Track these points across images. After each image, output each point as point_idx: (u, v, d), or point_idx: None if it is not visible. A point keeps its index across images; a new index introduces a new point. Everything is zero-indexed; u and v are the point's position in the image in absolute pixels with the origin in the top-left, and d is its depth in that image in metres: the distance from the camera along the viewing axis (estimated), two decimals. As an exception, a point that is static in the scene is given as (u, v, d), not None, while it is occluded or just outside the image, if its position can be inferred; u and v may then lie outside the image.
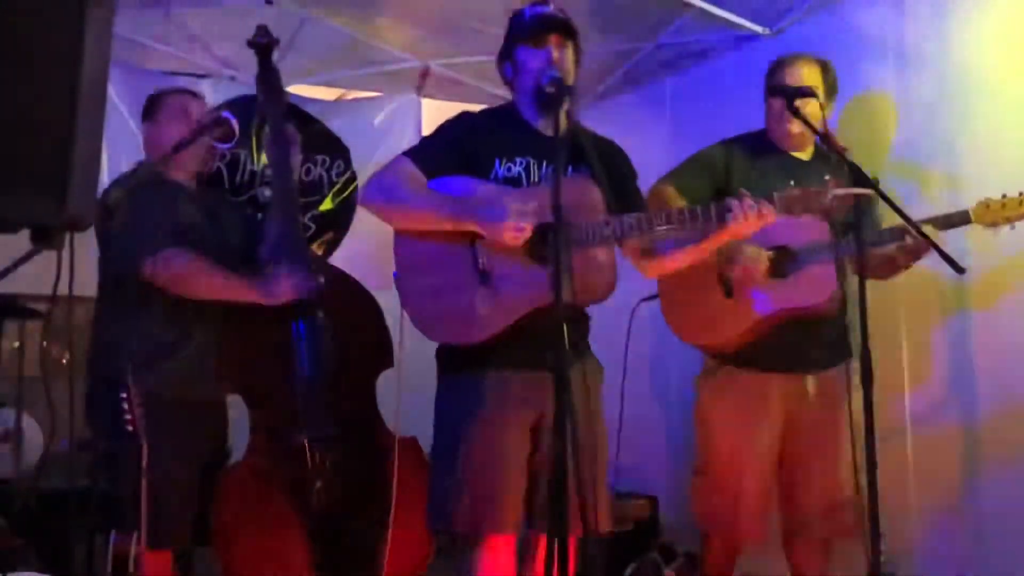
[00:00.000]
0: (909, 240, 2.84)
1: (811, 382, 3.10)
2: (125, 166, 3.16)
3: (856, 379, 3.07)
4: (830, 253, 2.96)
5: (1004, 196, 2.82)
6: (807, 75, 3.08)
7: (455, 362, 2.63)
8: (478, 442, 2.53)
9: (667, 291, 3.22)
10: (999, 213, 2.82)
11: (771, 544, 3.28)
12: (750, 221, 2.45)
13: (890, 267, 3.00)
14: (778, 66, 3.15)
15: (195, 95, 3.29)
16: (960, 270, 2.72)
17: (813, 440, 3.11)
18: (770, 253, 3.01)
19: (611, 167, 2.64)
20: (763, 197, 2.46)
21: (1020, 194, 2.83)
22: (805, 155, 3.16)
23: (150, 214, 2.94)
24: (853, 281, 3.17)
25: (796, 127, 3.06)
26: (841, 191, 2.42)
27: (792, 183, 2.78)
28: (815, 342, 3.07)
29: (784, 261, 3.02)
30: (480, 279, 2.53)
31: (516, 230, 2.43)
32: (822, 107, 3.00)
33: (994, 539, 3.20)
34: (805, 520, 3.14)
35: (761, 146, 3.18)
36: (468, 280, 2.54)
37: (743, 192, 2.47)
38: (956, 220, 2.87)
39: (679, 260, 2.69)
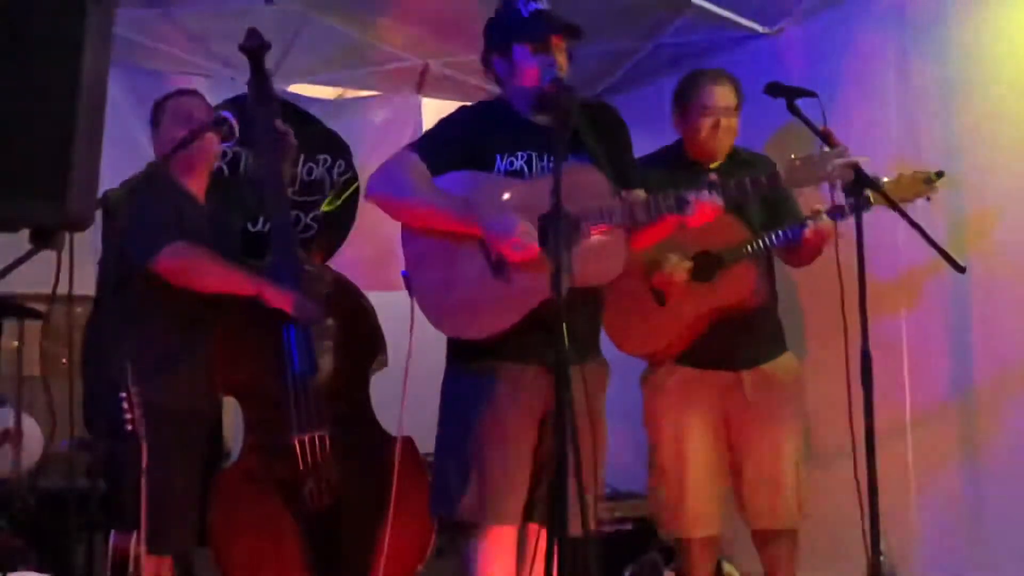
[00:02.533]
0: (811, 225, 2.94)
1: (747, 378, 3.19)
2: (125, 166, 3.15)
3: (800, 374, 3.25)
4: (749, 253, 3.09)
5: (899, 174, 2.86)
6: (725, 95, 3.18)
7: (466, 352, 2.61)
8: (488, 432, 2.53)
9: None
10: (897, 194, 2.80)
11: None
12: (704, 212, 2.50)
13: (801, 253, 3.10)
14: (693, 83, 3.22)
15: (195, 93, 3.31)
16: (960, 269, 2.73)
17: (753, 434, 3.19)
18: (688, 264, 3.11)
19: (609, 140, 2.65)
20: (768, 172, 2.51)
21: (914, 172, 2.86)
22: (716, 164, 3.20)
23: (154, 210, 2.95)
24: (786, 275, 3.34)
25: (715, 140, 3.18)
26: (842, 160, 2.44)
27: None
28: (749, 340, 3.18)
29: (708, 265, 3.11)
30: (493, 270, 2.53)
31: (521, 247, 2.44)
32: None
33: (994, 539, 3.20)
34: (751, 513, 3.22)
35: (676, 159, 3.27)
36: (480, 272, 2.53)
37: (711, 175, 2.53)
38: (837, 211, 2.91)
39: (644, 240, 2.70)
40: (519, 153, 2.62)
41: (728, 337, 3.14)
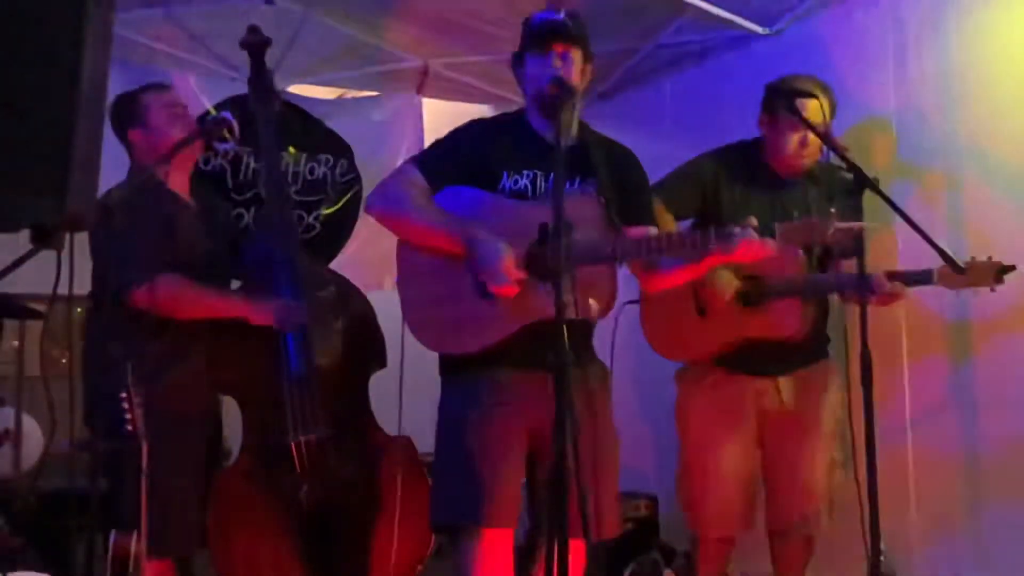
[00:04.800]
0: (889, 287, 2.88)
1: (784, 383, 3.18)
2: (125, 166, 3.14)
3: (838, 378, 3.16)
4: (800, 292, 3.06)
5: (972, 258, 2.83)
6: (817, 111, 3.04)
7: (457, 362, 2.63)
8: (479, 437, 2.54)
9: (646, 306, 3.27)
10: (963, 279, 2.81)
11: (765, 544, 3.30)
12: (750, 251, 2.42)
13: (856, 301, 3.02)
14: (786, 94, 3.07)
15: (170, 87, 3.27)
16: (960, 270, 2.73)
17: (786, 439, 3.18)
18: (739, 284, 3.08)
19: (622, 178, 2.64)
20: (766, 229, 2.43)
21: (989, 258, 2.84)
22: (798, 174, 3.17)
23: (135, 239, 2.92)
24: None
25: (801, 158, 3.09)
26: (844, 225, 2.41)
27: (772, 209, 2.83)
28: (787, 351, 3.14)
29: (755, 291, 3.08)
30: (479, 291, 2.53)
31: (502, 282, 2.45)
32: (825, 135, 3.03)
33: (994, 539, 3.20)
34: (783, 518, 3.22)
35: (752, 162, 3.19)
36: (467, 291, 2.55)
37: (750, 220, 2.42)
38: (920, 278, 2.89)
39: (679, 277, 2.70)
40: (524, 172, 2.63)
41: (766, 348, 3.10)
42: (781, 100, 3.06)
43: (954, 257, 2.72)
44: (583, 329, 2.66)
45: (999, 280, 2.83)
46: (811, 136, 3.04)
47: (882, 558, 2.46)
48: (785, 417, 3.17)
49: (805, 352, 3.19)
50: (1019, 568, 3.09)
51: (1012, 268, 2.83)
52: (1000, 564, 3.15)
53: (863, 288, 2.59)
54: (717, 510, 3.22)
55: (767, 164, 3.18)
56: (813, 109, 3.02)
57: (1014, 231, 3.16)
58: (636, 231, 2.58)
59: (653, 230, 2.63)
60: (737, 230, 2.40)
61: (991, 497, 3.23)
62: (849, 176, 2.87)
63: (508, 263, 2.45)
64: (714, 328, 3.13)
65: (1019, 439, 3.15)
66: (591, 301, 2.48)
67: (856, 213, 2.59)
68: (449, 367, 2.68)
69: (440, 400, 2.69)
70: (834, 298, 3.27)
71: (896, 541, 3.19)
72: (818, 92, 3.05)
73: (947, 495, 3.35)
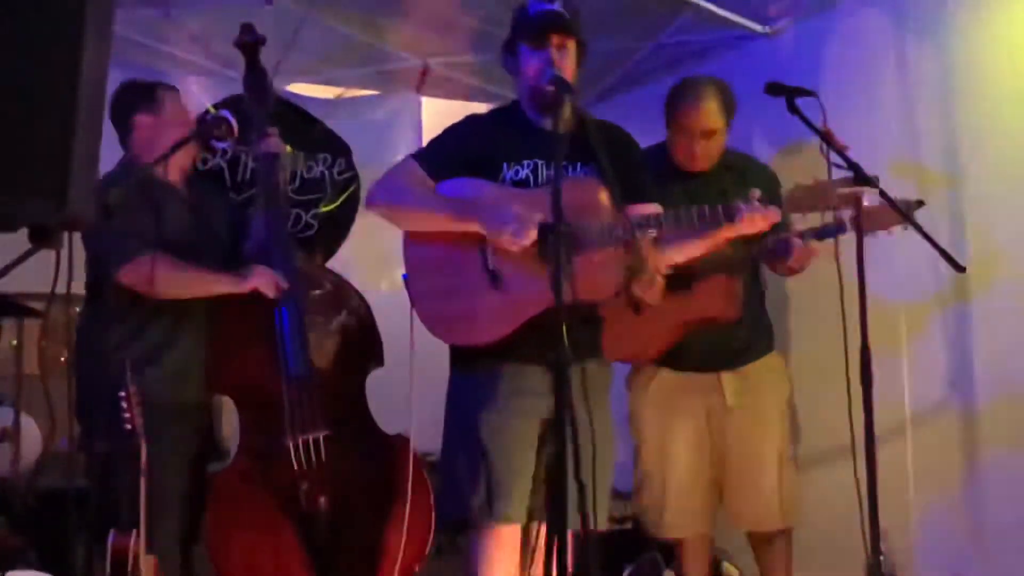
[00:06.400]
0: (799, 244, 2.94)
1: (728, 380, 3.21)
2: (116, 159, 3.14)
3: (784, 372, 3.28)
4: (726, 268, 3.08)
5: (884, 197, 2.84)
6: (705, 118, 3.11)
7: (469, 356, 2.63)
8: (492, 433, 2.54)
9: None
10: (881, 221, 2.80)
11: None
12: (757, 221, 2.49)
13: (782, 268, 3.09)
14: (679, 97, 3.16)
15: (178, 91, 3.31)
16: (960, 269, 2.72)
17: (733, 436, 3.22)
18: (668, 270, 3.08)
19: (621, 159, 2.65)
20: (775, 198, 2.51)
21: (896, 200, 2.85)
22: (704, 170, 3.21)
23: (132, 220, 2.94)
24: (775, 280, 3.33)
25: (693, 160, 3.15)
26: (847, 190, 2.44)
27: (685, 197, 2.87)
28: (728, 343, 3.18)
29: (680, 274, 3.06)
30: (489, 280, 2.53)
31: (518, 235, 2.44)
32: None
33: (994, 539, 3.20)
34: (735, 515, 3.26)
35: (663, 159, 3.23)
36: (477, 281, 2.55)
37: (754, 191, 2.49)
38: (832, 230, 2.91)
39: (688, 253, 2.71)
40: (525, 162, 2.63)
41: (708, 341, 3.15)
42: (676, 102, 3.16)
43: (954, 257, 2.72)
44: (592, 323, 2.67)
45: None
46: (700, 142, 3.12)
47: (882, 558, 2.45)
48: (729, 414, 3.21)
49: (747, 346, 3.23)
50: (1019, 568, 3.08)
51: (922, 203, 2.84)
52: (1000, 564, 3.15)
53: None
54: (680, 511, 3.25)
55: (673, 161, 3.23)
56: (707, 113, 3.09)
57: (1014, 231, 3.16)
58: (639, 209, 2.58)
59: (655, 207, 2.63)
60: (742, 204, 2.48)
61: (991, 497, 3.23)
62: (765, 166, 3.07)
63: (518, 215, 2.45)
64: (652, 322, 3.13)
65: (1020, 438, 3.15)
66: (594, 285, 2.49)
67: (774, 202, 2.61)
68: (462, 360, 2.67)
69: (450, 394, 2.69)
70: (788, 297, 3.30)
71: (896, 541, 3.19)
72: (712, 93, 3.10)
73: (947, 495, 3.34)
